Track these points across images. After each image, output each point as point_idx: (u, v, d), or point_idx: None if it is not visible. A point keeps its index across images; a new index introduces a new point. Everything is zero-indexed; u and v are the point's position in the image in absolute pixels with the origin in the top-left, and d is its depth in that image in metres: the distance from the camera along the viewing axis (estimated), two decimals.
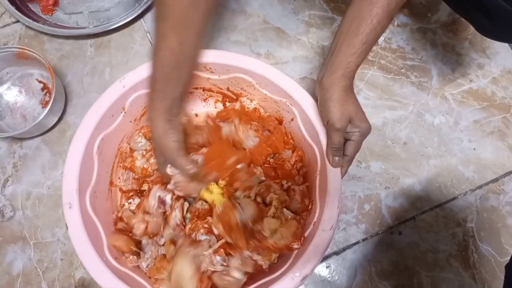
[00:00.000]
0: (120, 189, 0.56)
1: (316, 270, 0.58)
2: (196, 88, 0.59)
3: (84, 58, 0.66)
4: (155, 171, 0.55)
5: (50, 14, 0.68)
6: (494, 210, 0.63)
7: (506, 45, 0.71)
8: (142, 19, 0.69)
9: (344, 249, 0.60)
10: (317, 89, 0.50)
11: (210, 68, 0.54)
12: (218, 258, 0.47)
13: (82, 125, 0.50)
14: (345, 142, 0.49)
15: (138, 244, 0.51)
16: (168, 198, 0.51)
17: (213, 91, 0.59)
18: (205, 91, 0.59)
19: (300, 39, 0.70)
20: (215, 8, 0.40)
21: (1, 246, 0.57)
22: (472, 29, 0.71)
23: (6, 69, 0.64)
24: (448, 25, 0.72)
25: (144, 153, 0.56)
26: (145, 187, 0.56)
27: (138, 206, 0.52)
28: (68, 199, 0.46)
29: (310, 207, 0.53)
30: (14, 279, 0.56)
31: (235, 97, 0.59)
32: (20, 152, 0.61)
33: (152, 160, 0.55)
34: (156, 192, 0.51)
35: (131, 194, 0.55)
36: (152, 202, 0.50)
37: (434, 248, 0.60)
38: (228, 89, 0.58)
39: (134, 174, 0.56)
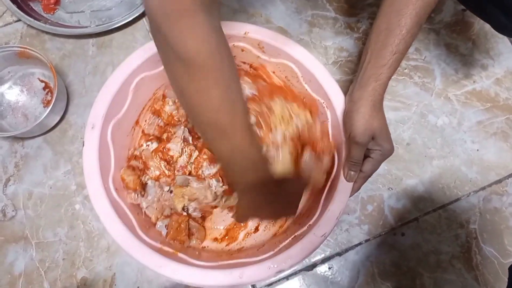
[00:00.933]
0: (143, 131, 0.59)
1: (318, 271, 0.58)
2: (244, 63, 0.59)
3: (86, 57, 0.66)
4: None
5: (51, 13, 0.68)
6: (497, 212, 0.62)
7: (510, 45, 0.71)
8: (144, 18, 0.68)
9: (346, 250, 0.59)
10: (346, 101, 0.49)
11: (263, 47, 0.54)
12: (214, 181, 0.52)
13: (129, 59, 0.52)
14: (364, 158, 0.48)
15: (144, 185, 0.54)
16: (190, 139, 0.56)
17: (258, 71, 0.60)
18: (251, 68, 0.60)
19: (303, 38, 0.69)
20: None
21: (2, 246, 0.57)
22: (476, 29, 0.71)
23: (8, 68, 0.63)
24: (451, 25, 0.71)
25: (176, 101, 0.58)
26: (165, 136, 0.57)
27: (156, 150, 0.55)
28: (93, 120, 0.49)
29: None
30: (16, 279, 0.56)
31: None
32: (21, 151, 0.61)
33: (182, 111, 0.57)
34: (183, 132, 0.55)
35: (150, 137, 0.58)
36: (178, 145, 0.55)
37: (436, 250, 0.60)
38: (273, 73, 0.58)
39: (159, 120, 0.59)
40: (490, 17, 0.51)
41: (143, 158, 0.55)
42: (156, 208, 0.53)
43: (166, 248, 0.48)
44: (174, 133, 0.56)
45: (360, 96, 0.46)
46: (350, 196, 0.49)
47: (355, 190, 0.50)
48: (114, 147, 0.51)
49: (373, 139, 0.46)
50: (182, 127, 0.57)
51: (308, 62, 0.53)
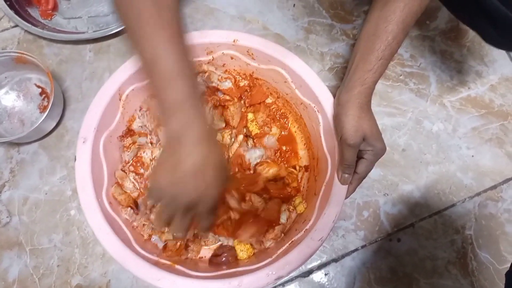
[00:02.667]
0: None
1: (314, 278, 0.58)
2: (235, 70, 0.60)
3: (83, 63, 0.66)
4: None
5: (49, 19, 0.68)
6: (493, 217, 0.63)
7: (504, 52, 0.72)
8: None
9: (343, 256, 0.59)
10: (334, 105, 0.50)
11: (252, 54, 0.55)
12: None
13: (120, 70, 0.51)
14: (357, 160, 0.49)
15: (136, 202, 0.54)
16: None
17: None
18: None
19: (299, 45, 0.70)
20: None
21: None
22: (470, 36, 0.72)
23: (5, 73, 0.63)
24: (446, 32, 0.72)
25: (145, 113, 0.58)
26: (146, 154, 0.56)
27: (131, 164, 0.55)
28: (84, 133, 0.48)
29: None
30: (9, 285, 0.55)
31: None
32: (17, 157, 0.61)
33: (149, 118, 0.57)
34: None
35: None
36: None
37: (432, 255, 0.60)
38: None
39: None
40: (479, 28, 0.52)
41: (119, 180, 0.54)
42: (144, 226, 0.53)
43: (163, 261, 0.47)
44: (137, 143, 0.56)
45: (347, 99, 0.47)
46: (345, 198, 0.50)
47: (350, 192, 0.50)
48: (106, 161, 0.50)
49: (364, 140, 0.47)
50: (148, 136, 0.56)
51: (298, 67, 0.53)
